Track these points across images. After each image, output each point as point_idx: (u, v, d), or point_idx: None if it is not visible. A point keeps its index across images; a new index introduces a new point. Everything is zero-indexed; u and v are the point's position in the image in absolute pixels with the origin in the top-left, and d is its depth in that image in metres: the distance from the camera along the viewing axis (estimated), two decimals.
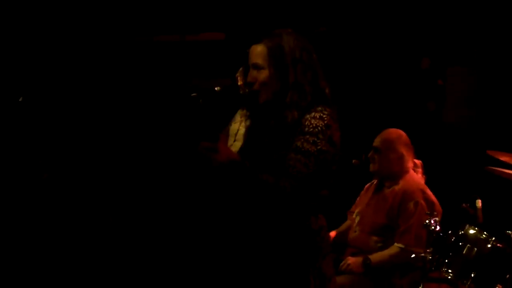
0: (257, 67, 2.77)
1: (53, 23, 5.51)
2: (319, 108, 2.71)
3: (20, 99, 4.85)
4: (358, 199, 4.41)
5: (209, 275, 2.94)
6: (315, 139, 2.66)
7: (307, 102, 2.74)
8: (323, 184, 2.73)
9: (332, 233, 4.24)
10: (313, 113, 2.70)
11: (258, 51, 2.78)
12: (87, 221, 5.12)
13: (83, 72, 5.54)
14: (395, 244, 3.95)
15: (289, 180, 2.63)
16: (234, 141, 3.05)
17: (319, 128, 2.67)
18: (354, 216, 4.26)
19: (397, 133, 4.17)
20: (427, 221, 3.66)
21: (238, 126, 3.02)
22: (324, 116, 2.69)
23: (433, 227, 3.65)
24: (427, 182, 4.19)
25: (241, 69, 4.18)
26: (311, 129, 2.67)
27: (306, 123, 2.69)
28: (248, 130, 2.92)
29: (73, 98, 5.51)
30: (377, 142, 4.17)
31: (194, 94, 2.88)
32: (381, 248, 4.00)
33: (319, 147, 2.66)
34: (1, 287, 4.54)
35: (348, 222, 4.34)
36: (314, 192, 2.70)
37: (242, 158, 2.72)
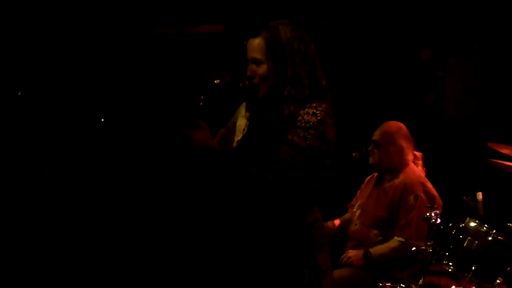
0: (256, 61, 2.76)
1: (52, 16, 5.50)
2: (314, 104, 2.70)
3: (19, 93, 4.82)
4: (358, 192, 4.40)
5: (200, 269, 2.91)
6: (306, 134, 2.66)
7: (304, 95, 2.73)
8: (317, 178, 2.73)
9: (337, 221, 4.25)
10: (307, 109, 2.70)
11: (256, 45, 2.76)
12: (87, 216, 5.12)
13: (81, 65, 5.54)
14: (396, 237, 3.96)
15: (272, 170, 2.63)
16: (235, 136, 3.06)
17: (311, 123, 2.67)
18: (354, 209, 4.26)
19: (397, 126, 4.16)
20: (427, 214, 3.64)
21: (245, 121, 3.00)
22: (318, 112, 2.69)
23: (433, 220, 3.63)
24: (427, 175, 4.18)
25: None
26: (303, 124, 2.67)
27: (299, 118, 2.69)
28: (248, 123, 2.92)
29: (72, 91, 5.50)
30: (376, 135, 4.15)
31: (194, 87, 2.86)
32: (382, 241, 4.00)
33: (308, 142, 2.65)
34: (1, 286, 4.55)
35: (348, 215, 4.34)
36: (307, 185, 2.70)
37: (240, 151, 2.72)
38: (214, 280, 2.83)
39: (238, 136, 3.03)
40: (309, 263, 2.71)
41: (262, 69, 2.74)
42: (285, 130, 2.70)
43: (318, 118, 2.67)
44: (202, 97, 2.78)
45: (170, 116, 5.03)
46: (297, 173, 2.65)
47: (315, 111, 2.69)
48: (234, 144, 3.08)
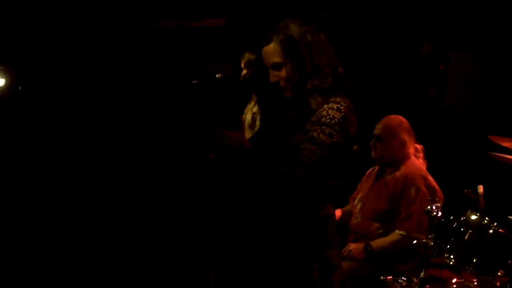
0: (276, 66, 2.72)
1: (52, 9, 5.50)
2: (338, 99, 2.66)
3: (20, 88, 4.84)
4: (359, 185, 4.40)
5: (213, 262, 2.90)
6: (332, 131, 2.61)
7: (329, 85, 2.69)
8: (334, 175, 2.70)
9: (338, 212, 4.24)
10: (331, 104, 2.66)
11: (272, 50, 2.72)
12: (90, 211, 5.13)
13: (82, 58, 5.53)
14: (397, 230, 3.96)
15: (301, 170, 2.59)
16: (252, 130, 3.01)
17: (336, 119, 2.62)
18: (355, 202, 4.26)
19: (398, 120, 4.15)
20: (428, 207, 3.63)
21: (253, 116, 3.03)
22: (342, 108, 2.64)
23: (434, 213, 3.62)
24: (428, 168, 4.18)
25: (246, 54, 4.15)
26: (328, 120, 2.63)
27: (324, 113, 2.65)
28: (262, 119, 2.89)
29: (72, 86, 5.50)
30: (378, 129, 4.15)
31: (195, 81, 2.88)
32: (383, 235, 4.01)
33: (334, 140, 2.61)
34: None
35: (349, 206, 4.34)
36: (325, 182, 2.68)
37: (254, 145, 2.69)
38: (224, 274, 2.82)
39: (248, 132, 3.00)
40: (319, 258, 2.70)
41: (284, 71, 2.71)
42: (305, 123, 2.66)
43: (343, 113, 2.64)
44: (201, 89, 2.78)
45: (172, 111, 5.07)
46: (323, 171, 2.62)
47: (339, 106, 2.65)
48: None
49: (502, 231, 3.59)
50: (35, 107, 5.29)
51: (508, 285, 3.51)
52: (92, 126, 5.38)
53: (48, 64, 5.50)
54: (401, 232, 3.93)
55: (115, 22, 5.62)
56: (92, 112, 5.39)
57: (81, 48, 5.55)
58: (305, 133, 2.65)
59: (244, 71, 3.88)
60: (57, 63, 5.52)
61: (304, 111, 2.67)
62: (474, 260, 3.58)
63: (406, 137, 4.11)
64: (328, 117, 2.63)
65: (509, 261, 3.54)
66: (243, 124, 2.99)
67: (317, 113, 2.65)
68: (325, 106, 2.65)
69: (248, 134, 2.83)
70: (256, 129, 2.94)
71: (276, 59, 2.70)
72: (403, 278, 3.74)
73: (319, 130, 2.62)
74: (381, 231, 4.02)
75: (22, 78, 4.99)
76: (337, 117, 2.62)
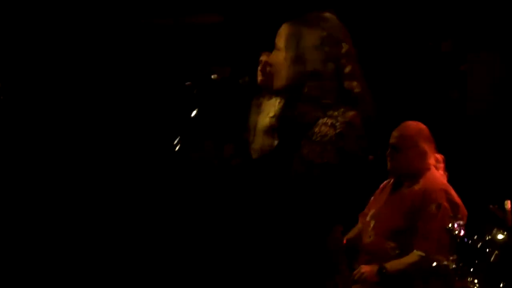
0: (276, 48, 2.69)
1: (46, 7, 5.46)
2: (336, 113, 2.56)
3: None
4: (371, 199, 4.21)
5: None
6: (322, 151, 2.52)
7: (331, 101, 2.58)
8: (333, 195, 2.59)
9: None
10: (326, 118, 2.55)
11: (280, 31, 2.71)
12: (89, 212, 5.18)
13: (74, 56, 5.50)
14: (415, 251, 3.80)
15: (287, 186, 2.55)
16: (254, 136, 2.93)
17: (328, 137, 2.53)
18: (368, 219, 4.07)
19: (417, 127, 3.98)
20: (450, 225, 3.45)
21: (256, 118, 2.94)
22: (338, 123, 2.54)
23: (457, 232, 3.43)
24: (449, 181, 4.02)
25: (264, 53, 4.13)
26: (319, 138, 2.54)
27: (316, 129, 2.55)
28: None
29: (66, 86, 5.47)
30: (395, 138, 3.98)
31: (188, 83, 2.82)
32: (399, 255, 3.83)
33: (325, 160, 2.52)
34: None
35: (359, 226, 4.16)
36: (322, 203, 2.57)
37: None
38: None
39: (251, 136, 2.94)
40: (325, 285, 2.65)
41: (279, 57, 2.66)
42: (298, 134, 2.58)
43: (337, 130, 2.54)
44: (194, 90, 2.75)
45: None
46: (314, 193, 2.53)
47: (334, 122, 2.54)
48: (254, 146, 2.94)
49: None
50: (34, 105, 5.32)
51: None
52: (79, 130, 5.38)
53: (40, 63, 5.47)
54: (420, 253, 3.76)
55: (107, 20, 5.55)
56: (79, 115, 5.38)
57: (74, 46, 5.50)
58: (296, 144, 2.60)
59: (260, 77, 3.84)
60: (49, 62, 5.48)
61: (300, 123, 2.59)
62: (501, 285, 3.40)
63: (425, 146, 3.94)
64: (319, 134, 2.54)
65: None
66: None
67: (312, 128, 2.57)
68: (320, 121, 2.56)
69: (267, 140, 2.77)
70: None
71: (276, 41, 2.68)
72: None
73: (308, 148, 2.54)
74: (397, 251, 3.84)
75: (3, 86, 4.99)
76: (330, 134, 2.53)
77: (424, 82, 5.60)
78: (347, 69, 2.65)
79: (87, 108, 5.35)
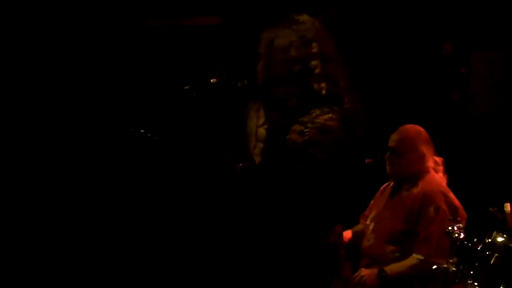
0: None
1: (45, 8, 5.47)
2: (305, 119, 2.49)
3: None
4: (372, 202, 4.21)
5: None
6: (292, 159, 2.48)
7: (299, 105, 2.53)
8: (330, 198, 2.56)
9: (347, 233, 4.06)
10: (296, 125, 2.50)
11: (260, 38, 2.68)
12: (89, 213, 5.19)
13: (73, 57, 5.51)
14: (414, 254, 3.77)
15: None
16: (256, 141, 2.91)
17: (296, 145, 2.48)
18: (368, 222, 4.08)
19: (416, 131, 3.96)
20: (449, 228, 3.41)
21: (255, 123, 2.91)
22: (307, 130, 2.48)
23: (456, 235, 3.40)
24: (449, 183, 4.00)
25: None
26: (290, 146, 2.49)
27: (288, 136, 2.51)
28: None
29: (65, 87, 5.49)
30: (394, 142, 3.96)
31: (187, 86, 2.82)
32: (399, 258, 3.81)
33: (297, 167, 2.47)
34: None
35: (361, 226, 4.17)
36: (326, 204, 2.55)
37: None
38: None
39: (252, 142, 2.91)
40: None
41: (259, 63, 2.64)
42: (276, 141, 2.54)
43: (305, 138, 2.46)
44: (193, 94, 2.74)
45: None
46: (291, 195, 2.49)
47: (303, 129, 2.48)
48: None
49: None
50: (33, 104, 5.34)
51: None
52: (78, 131, 5.39)
53: (39, 63, 5.48)
54: (419, 256, 3.74)
55: (105, 21, 5.56)
56: (78, 116, 5.39)
57: (72, 47, 5.51)
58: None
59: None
60: (49, 62, 5.49)
61: (272, 129, 2.58)
62: None
63: (424, 149, 3.92)
64: (290, 141, 2.49)
65: None
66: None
67: (285, 135, 2.53)
68: (293, 127, 2.51)
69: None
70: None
71: (259, 50, 2.66)
72: None
73: (284, 156, 2.50)
74: (397, 254, 3.82)
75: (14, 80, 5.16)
76: (298, 141, 2.47)
77: (425, 84, 5.58)
78: (317, 70, 2.56)
79: (86, 109, 5.36)
